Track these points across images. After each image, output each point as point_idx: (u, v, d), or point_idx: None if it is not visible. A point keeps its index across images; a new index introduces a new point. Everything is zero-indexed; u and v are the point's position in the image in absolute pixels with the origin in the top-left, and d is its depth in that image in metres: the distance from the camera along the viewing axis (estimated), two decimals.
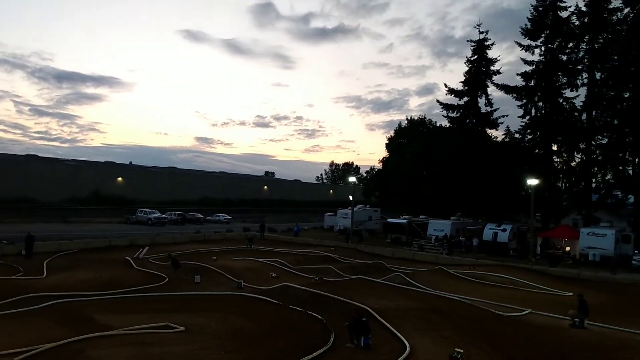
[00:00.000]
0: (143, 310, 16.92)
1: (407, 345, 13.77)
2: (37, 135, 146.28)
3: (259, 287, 21.67)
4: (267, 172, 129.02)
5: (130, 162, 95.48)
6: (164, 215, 54.75)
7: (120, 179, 78.61)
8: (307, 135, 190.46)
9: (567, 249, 35.65)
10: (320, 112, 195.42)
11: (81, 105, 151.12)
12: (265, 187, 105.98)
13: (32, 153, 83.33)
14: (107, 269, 24.87)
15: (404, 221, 43.84)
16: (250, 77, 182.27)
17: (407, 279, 24.27)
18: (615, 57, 37.29)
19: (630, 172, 37.41)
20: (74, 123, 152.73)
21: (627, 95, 36.71)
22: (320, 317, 16.41)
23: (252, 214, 71.71)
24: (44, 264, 25.30)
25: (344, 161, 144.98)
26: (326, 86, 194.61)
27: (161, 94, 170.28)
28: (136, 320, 15.13)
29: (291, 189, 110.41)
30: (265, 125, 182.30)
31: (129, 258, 28.13)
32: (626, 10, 37.88)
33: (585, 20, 39.98)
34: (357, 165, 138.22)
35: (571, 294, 21.86)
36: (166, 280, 22.77)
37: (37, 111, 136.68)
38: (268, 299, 19.06)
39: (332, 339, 14.03)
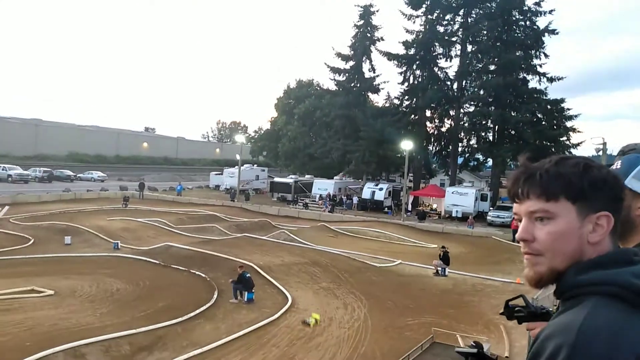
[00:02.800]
0: (3, 275, 15.50)
1: (289, 297, 14.37)
2: None
3: (138, 248, 20.79)
4: (147, 128, 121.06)
5: None
6: (27, 172, 49.17)
7: None
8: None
9: (435, 206, 39.30)
10: None
11: None
12: (145, 143, 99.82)
13: None
14: None
15: (290, 180, 44.71)
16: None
17: (292, 235, 24.96)
18: (485, 32, 40.68)
19: (491, 138, 41.79)
20: None
21: (492, 68, 40.47)
22: (204, 275, 16.33)
23: (131, 172, 67.41)
24: None
25: (231, 120, 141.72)
26: None
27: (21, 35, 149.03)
28: None
29: (174, 147, 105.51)
30: None
31: None
32: None
33: None
34: (245, 125, 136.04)
35: (435, 246, 24.20)
36: (31, 242, 20.80)
37: None
38: (148, 259, 18.42)
39: (215, 296, 14.11)
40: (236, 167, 46.73)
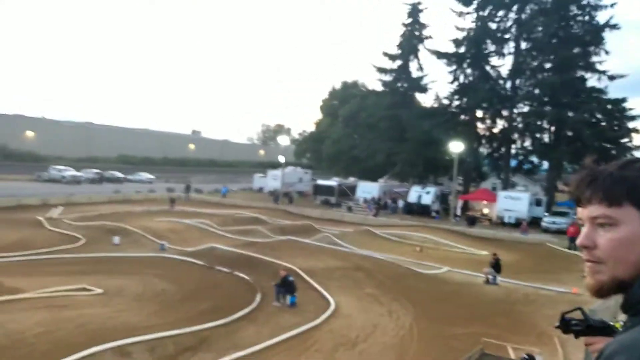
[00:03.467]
0: (57, 273, 16.01)
1: (332, 302, 14.02)
2: None
3: (183, 249, 21.00)
4: (194, 131, 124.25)
5: (42, 116, 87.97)
6: (79, 173, 51.38)
7: (30, 133, 72.53)
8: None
9: (486, 211, 37.85)
10: None
11: None
12: (192, 145, 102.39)
13: None
14: (16, 230, 22.97)
15: (334, 183, 44.34)
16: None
17: (335, 239, 24.59)
18: (540, 29, 38.94)
19: (547, 139, 39.87)
20: None
21: (547, 66, 38.63)
22: (247, 277, 16.24)
23: (177, 174, 69.17)
24: None
25: (276, 123, 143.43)
26: None
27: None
28: (49, 283, 14.28)
29: (220, 149, 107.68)
30: None
31: (41, 218, 26.13)
32: None
33: None
34: (289, 127, 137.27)
35: (486, 253, 23.20)
36: (83, 241, 21.44)
37: None
38: (192, 260, 18.55)
39: (258, 299, 13.96)
40: (280, 169, 46.88)
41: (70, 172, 50.43)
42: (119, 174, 56.87)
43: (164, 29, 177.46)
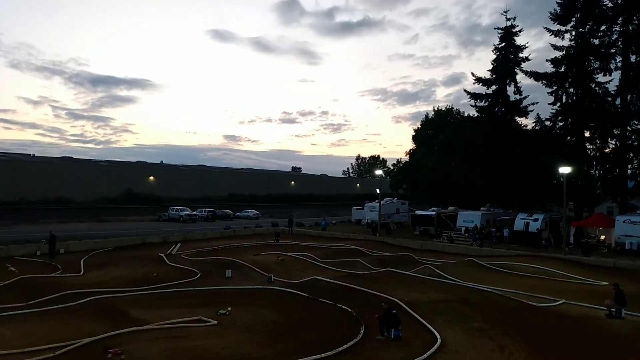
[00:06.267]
0: (176, 305, 17.27)
1: (438, 336, 13.69)
2: (73, 138, 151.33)
3: (288, 281, 21.85)
4: (293, 168, 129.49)
5: (161, 162, 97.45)
6: (194, 212, 55.85)
7: (151, 177, 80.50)
8: (333, 130, 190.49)
9: (602, 237, 34.65)
10: (346, 106, 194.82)
11: (115, 108, 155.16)
12: (293, 182, 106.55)
13: (67, 155, 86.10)
14: (141, 266, 25.52)
15: (433, 213, 43.37)
16: (277, 74, 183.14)
17: (437, 270, 24.01)
18: None
19: None
20: (107, 125, 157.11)
21: None
22: (349, 309, 16.45)
23: (280, 210, 72.29)
24: (81, 262, 26.06)
25: (370, 154, 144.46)
26: (351, 80, 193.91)
27: (190, 93, 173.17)
28: (170, 315, 15.47)
29: (318, 184, 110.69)
30: (292, 121, 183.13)
31: (162, 254, 28.78)
32: None
33: (619, 1, 38.51)
34: (383, 158, 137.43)
35: (607, 283, 21.24)
36: (198, 275, 23.17)
37: (73, 115, 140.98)
38: (297, 292, 19.21)
39: (362, 331, 14.07)
40: (376, 201, 47.03)
41: (187, 211, 55.04)
42: (229, 212, 60.96)
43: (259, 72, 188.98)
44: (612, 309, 16.66)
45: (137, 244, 33.69)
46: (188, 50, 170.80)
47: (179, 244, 34.24)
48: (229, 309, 16.17)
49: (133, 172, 79.35)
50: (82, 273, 23.84)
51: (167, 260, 27.19)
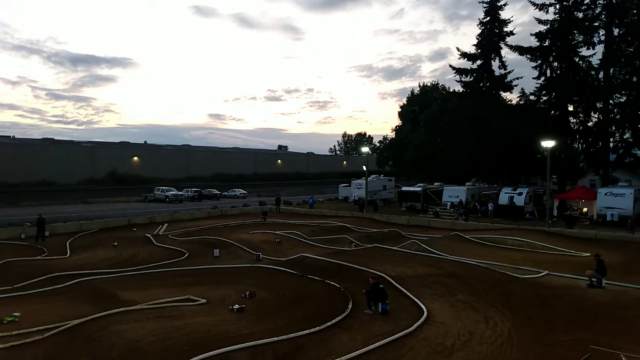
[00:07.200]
0: (165, 285, 17.31)
1: (425, 309, 13.93)
2: (54, 119, 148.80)
3: (277, 259, 21.97)
4: (280, 146, 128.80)
5: (145, 142, 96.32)
6: (181, 192, 55.53)
7: (136, 158, 79.62)
8: (319, 107, 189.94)
9: (585, 210, 35.32)
10: (332, 82, 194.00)
11: (96, 87, 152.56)
12: (279, 160, 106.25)
13: (49, 137, 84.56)
14: (128, 247, 25.47)
15: (419, 189, 43.73)
16: (261, 51, 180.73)
17: (423, 245, 24.30)
18: (635, 12, 35.87)
19: None
20: (89, 105, 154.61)
21: None
22: (338, 285, 16.62)
23: (267, 188, 72.20)
24: (67, 244, 25.91)
25: (356, 132, 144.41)
26: (337, 56, 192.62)
27: (173, 71, 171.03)
28: (158, 295, 15.51)
29: (305, 162, 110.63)
30: (277, 99, 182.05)
31: (149, 235, 28.67)
32: None
33: None
34: (370, 135, 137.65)
35: (588, 254, 21.73)
36: (186, 255, 23.17)
37: (54, 95, 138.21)
38: (286, 269, 19.32)
39: (350, 306, 14.26)
40: (363, 178, 47.21)
41: (173, 191, 54.66)
42: (216, 191, 60.70)
43: (252, 54, 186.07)
44: (593, 279, 17.09)
45: (123, 225, 33.50)
46: (169, 27, 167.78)
47: (165, 224, 34.11)
48: (16, 314, 13.19)
49: (117, 153, 78.37)
50: (68, 255, 23.69)
51: (154, 241, 27.11)
